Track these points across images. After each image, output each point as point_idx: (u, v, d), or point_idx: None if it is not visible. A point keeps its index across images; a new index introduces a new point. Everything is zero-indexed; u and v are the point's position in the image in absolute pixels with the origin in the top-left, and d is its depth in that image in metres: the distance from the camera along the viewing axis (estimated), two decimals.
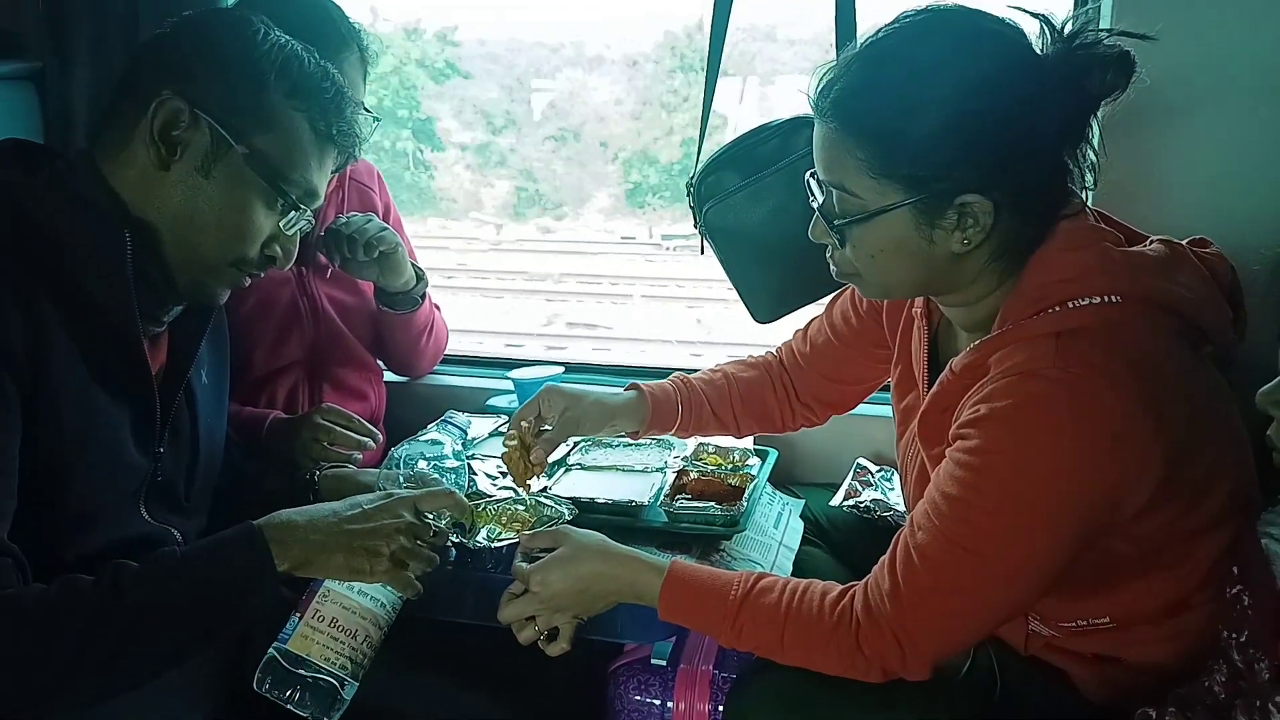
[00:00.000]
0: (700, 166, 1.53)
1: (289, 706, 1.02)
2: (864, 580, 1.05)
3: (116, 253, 1.02)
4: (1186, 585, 1.06)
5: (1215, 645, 0.96)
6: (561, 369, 1.89)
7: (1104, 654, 1.12)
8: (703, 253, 1.57)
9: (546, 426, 1.35)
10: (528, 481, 1.33)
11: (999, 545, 0.97)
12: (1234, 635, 0.93)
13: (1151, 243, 1.08)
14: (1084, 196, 1.09)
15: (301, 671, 1.02)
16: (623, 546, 1.16)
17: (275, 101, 1.07)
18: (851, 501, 1.58)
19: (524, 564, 1.15)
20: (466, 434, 1.39)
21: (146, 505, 1.12)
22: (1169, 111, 1.34)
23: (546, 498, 1.32)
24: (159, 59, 1.07)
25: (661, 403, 1.42)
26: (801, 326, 1.50)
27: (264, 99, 1.06)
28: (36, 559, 0.97)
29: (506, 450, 1.33)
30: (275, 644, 1.04)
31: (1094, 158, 1.06)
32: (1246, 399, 0.87)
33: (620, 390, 1.44)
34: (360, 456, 1.50)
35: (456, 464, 1.30)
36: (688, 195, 1.56)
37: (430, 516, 1.13)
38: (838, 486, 1.64)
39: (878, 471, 1.68)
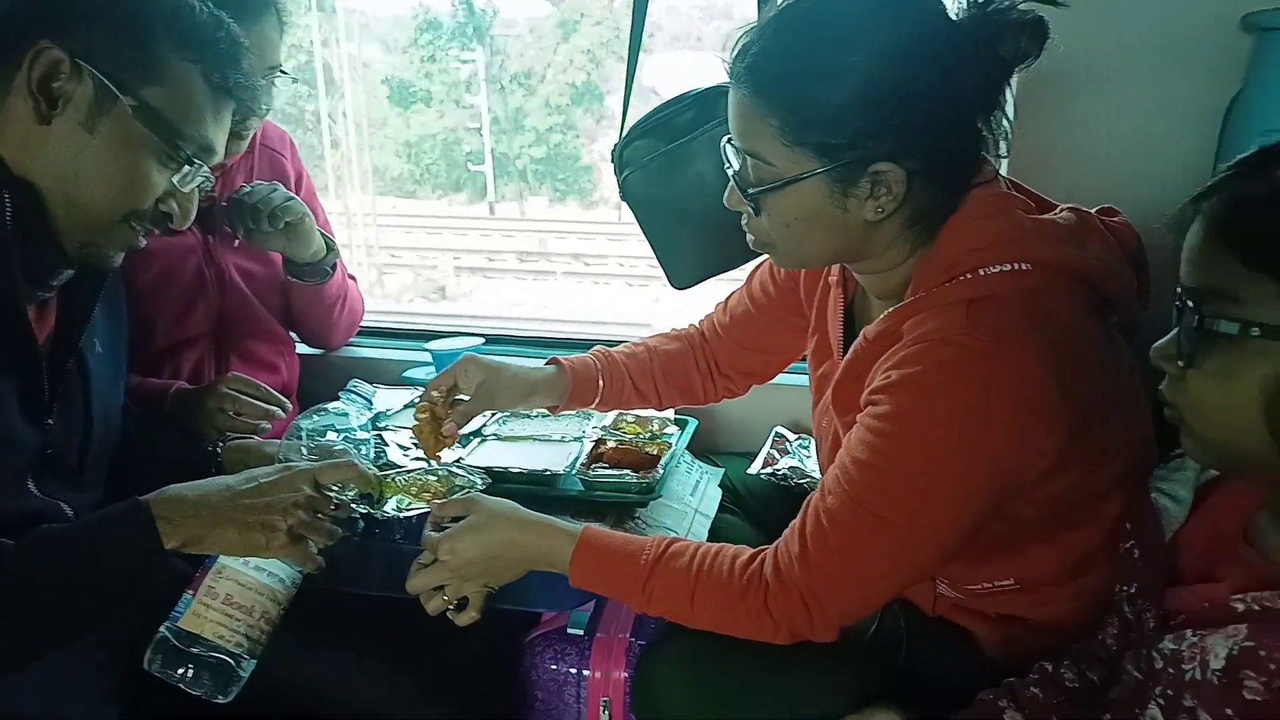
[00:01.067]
0: (624, 135, 1.52)
1: (182, 686, 0.98)
2: (774, 544, 1.05)
3: None
4: (1089, 546, 1.09)
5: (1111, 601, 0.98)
6: (481, 340, 1.86)
7: (1008, 614, 1.14)
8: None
9: (462, 397, 1.31)
10: (438, 454, 1.29)
11: (906, 510, 0.98)
12: (1125, 588, 0.95)
13: (1061, 211, 1.09)
14: (997, 165, 1.09)
15: (195, 650, 0.98)
16: (534, 513, 1.14)
17: (164, 52, 1.01)
18: (769, 469, 1.59)
19: (434, 533, 1.13)
20: (371, 404, 1.36)
21: (35, 479, 1.06)
22: (1080, 80, 1.35)
23: (459, 467, 1.29)
24: (35, 6, 1.00)
25: (582, 377, 1.40)
26: (723, 299, 1.50)
27: (152, 49, 1.00)
28: None
29: (417, 422, 1.29)
30: (166, 623, 1.00)
31: (1007, 126, 1.05)
32: (1148, 366, 0.89)
33: (541, 364, 1.41)
34: (268, 426, 1.45)
35: (366, 435, 1.27)
36: (613, 163, 1.55)
37: (335, 489, 1.09)
38: (756, 455, 1.64)
39: (795, 440, 1.69)
